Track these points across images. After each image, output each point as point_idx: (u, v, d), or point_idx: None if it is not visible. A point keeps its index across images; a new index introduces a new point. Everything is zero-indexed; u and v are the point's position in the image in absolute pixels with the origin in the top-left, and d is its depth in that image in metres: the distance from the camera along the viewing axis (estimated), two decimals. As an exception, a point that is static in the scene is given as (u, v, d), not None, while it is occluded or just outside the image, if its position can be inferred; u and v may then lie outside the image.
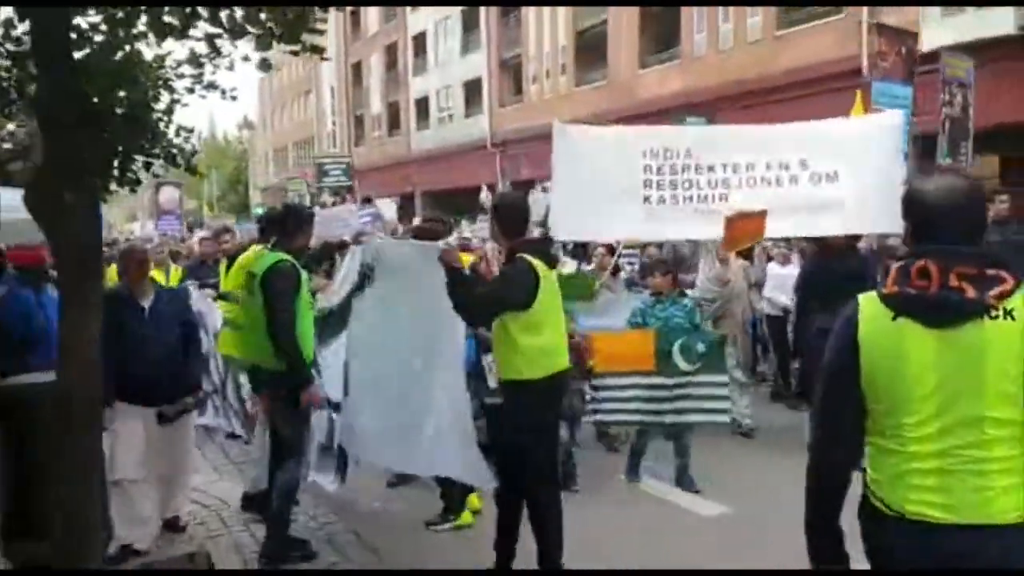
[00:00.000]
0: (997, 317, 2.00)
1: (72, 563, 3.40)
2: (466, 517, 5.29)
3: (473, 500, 5.34)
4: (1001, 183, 15.39)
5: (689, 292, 6.92)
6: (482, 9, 31.26)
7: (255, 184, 61.78)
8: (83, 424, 3.45)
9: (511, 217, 4.33)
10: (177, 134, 4.60)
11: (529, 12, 28.66)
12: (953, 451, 2.04)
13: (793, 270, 8.17)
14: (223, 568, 4.67)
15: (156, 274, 11.73)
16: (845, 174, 5.82)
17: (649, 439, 6.20)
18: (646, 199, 6.08)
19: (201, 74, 4.70)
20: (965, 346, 2.02)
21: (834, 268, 6.04)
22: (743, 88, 19.36)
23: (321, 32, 4.21)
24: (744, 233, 6.04)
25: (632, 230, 6.46)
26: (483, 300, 4.16)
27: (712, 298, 7.15)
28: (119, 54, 3.86)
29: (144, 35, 3.89)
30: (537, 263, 4.06)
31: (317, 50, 4.06)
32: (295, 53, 3.95)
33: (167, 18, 3.94)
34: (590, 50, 26.20)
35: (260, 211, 46.71)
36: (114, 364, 4.25)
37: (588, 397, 6.27)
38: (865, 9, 16.76)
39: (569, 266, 8.10)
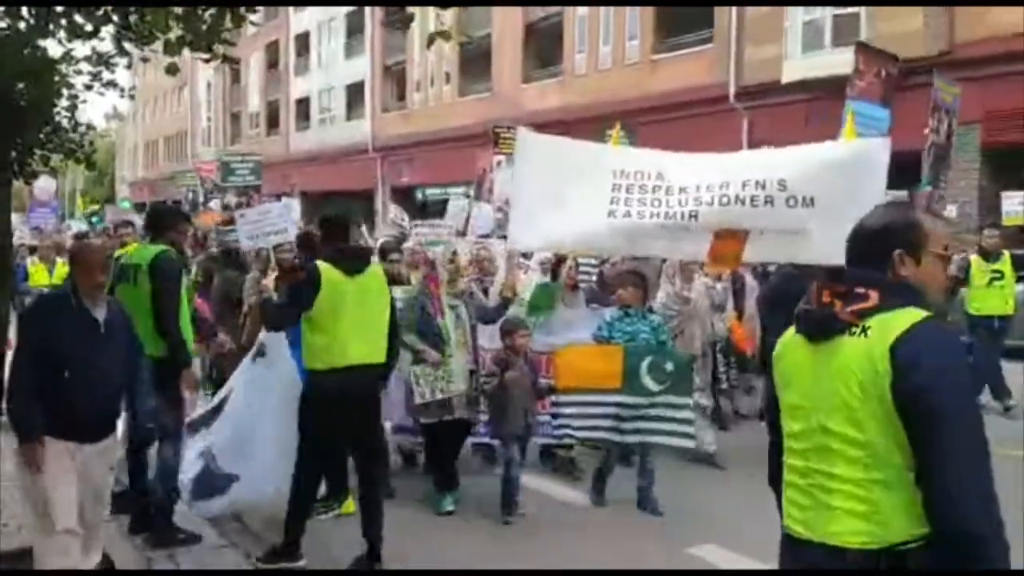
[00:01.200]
0: (855, 334, 2.05)
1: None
2: (349, 506, 5.50)
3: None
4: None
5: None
6: (367, 12, 31.25)
7: (122, 177, 59.44)
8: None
9: (331, 232, 4.89)
10: (75, 130, 4.69)
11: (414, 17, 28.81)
12: (811, 465, 2.11)
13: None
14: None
15: (39, 270, 11.39)
16: (821, 202, 5.47)
17: (612, 461, 6.00)
18: (611, 213, 5.73)
19: (100, 72, 4.84)
20: (826, 361, 2.09)
21: (803, 285, 5.86)
22: (620, 108, 20.15)
23: (232, 43, 4.40)
24: (727, 251, 5.75)
25: (594, 244, 6.16)
26: (274, 310, 4.89)
27: (670, 315, 6.92)
28: (25, 50, 3.96)
29: (53, 33, 4.02)
30: (327, 268, 4.60)
31: (229, 60, 4.26)
32: (206, 60, 4.14)
33: (79, 18, 4.08)
34: (474, 61, 26.65)
35: (126, 204, 44.99)
36: (51, 388, 3.71)
37: (549, 416, 6.10)
38: (733, 40, 17.79)
39: (536, 276, 7.71)
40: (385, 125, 30.80)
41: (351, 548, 4.69)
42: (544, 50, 24.25)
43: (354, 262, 4.74)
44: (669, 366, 5.68)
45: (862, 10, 15.51)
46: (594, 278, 7.96)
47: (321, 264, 4.62)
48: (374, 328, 4.75)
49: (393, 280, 5.86)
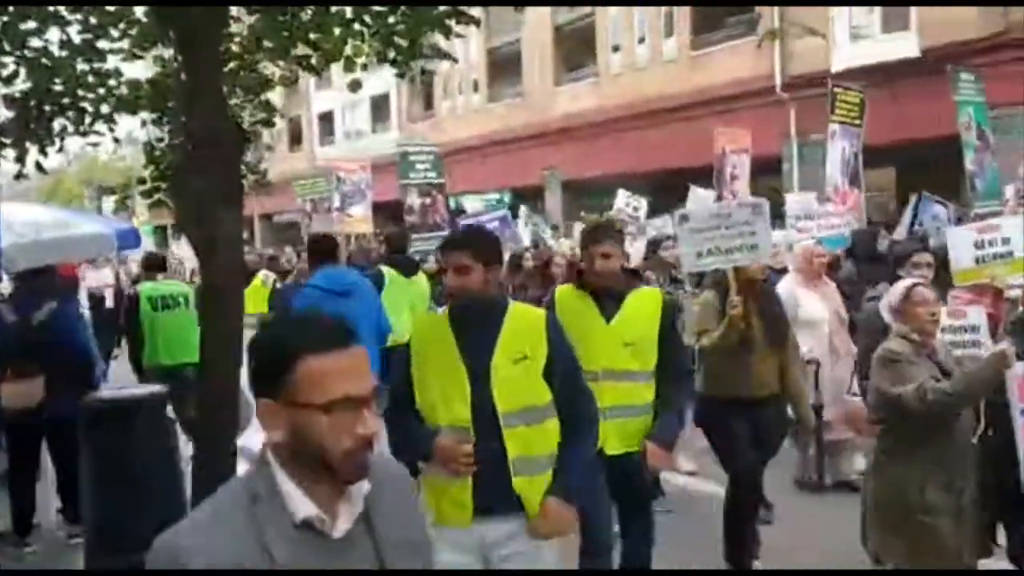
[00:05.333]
0: None
1: None
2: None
3: None
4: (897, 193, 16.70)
5: None
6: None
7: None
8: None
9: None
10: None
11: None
12: None
13: None
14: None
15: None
16: None
17: None
18: None
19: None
20: None
21: None
22: (660, 105, 20.17)
23: (431, 56, 4.48)
24: None
25: None
26: None
27: None
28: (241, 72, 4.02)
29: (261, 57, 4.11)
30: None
31: (426, 72, 4.32)
32: (400, 76, 4.21)
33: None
34: (503, 67, 26.70)
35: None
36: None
37: None
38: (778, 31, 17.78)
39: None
40: (413, 135, 30.86)
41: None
42: (575, 52, 24.27)
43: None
44: None
45: (912, -6, 15.49)
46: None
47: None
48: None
49: None
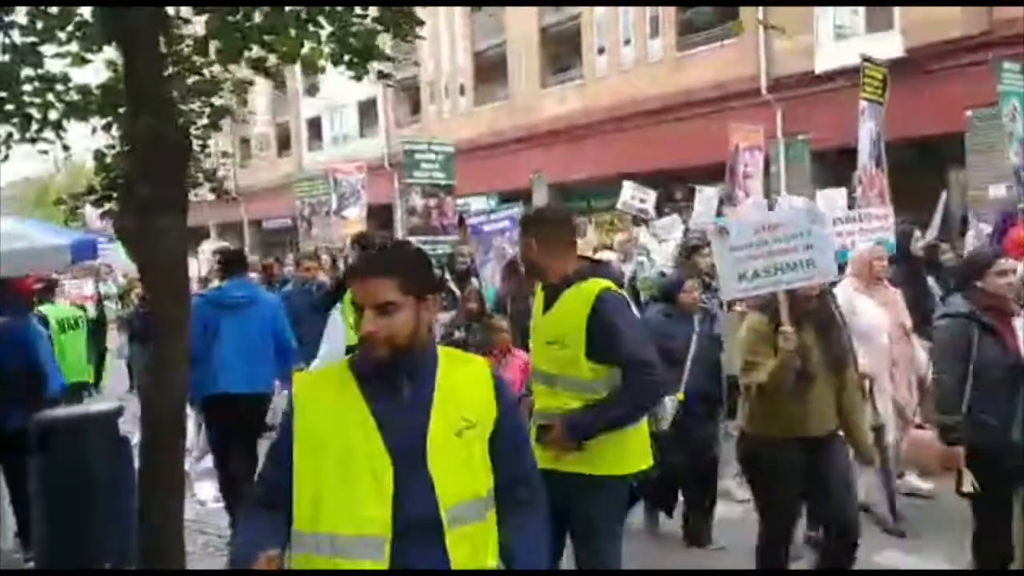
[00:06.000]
0: None
1: None
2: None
3: None
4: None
5: None
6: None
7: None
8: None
9: None
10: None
11: (423, 33, 28.76)
12: None
13: None
14: None
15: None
16: None
17: None
18: None
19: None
20: None
21: None
22: (645, 107, 20.03)
23: (391, 59, 4.34)
24: None
25: None
26: None
27: None
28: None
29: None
30: None
31: (385, 76, 4.18)
32: (356, 79, 4.07)
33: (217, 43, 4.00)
34: (489, 70, 26.55)
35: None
36: None
37: None
38: (761, 32, 17.68)
39: None
40: (400, 139, 30.72)
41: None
42: (561, 54, 24.13)
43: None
44: None
45: (895, -7, 15.38)
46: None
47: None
48: None
49: None
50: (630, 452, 3.70)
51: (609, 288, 3.65)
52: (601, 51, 22.11)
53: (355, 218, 16.34)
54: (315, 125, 36.46)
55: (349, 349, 6.67)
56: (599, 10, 21.73)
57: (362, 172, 17.39)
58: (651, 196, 13.62)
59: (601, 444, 3.58)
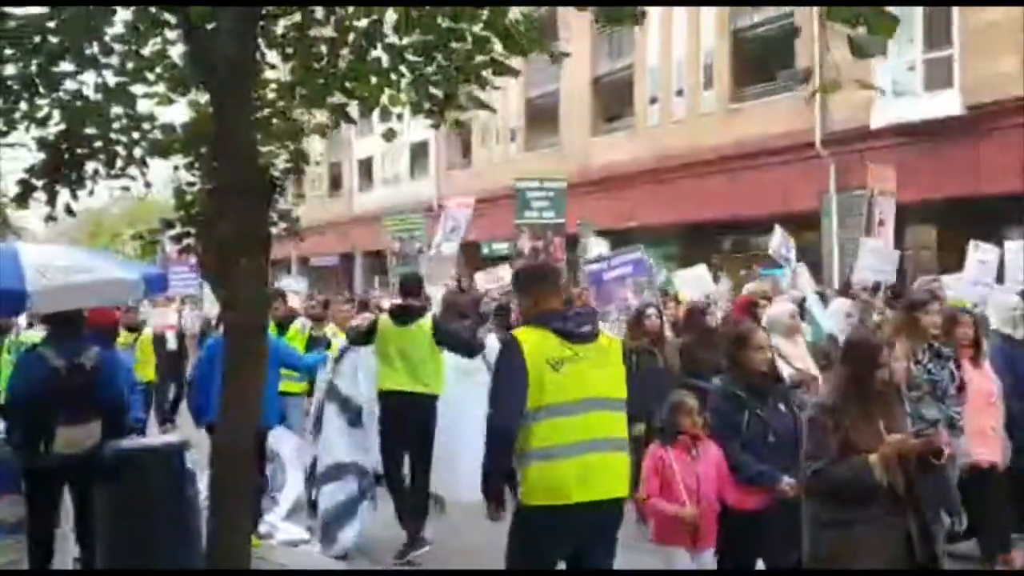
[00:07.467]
0: None
1: None
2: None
3: None
4: (938, 252, 16.40)
5: None
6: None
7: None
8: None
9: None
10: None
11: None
12: None
13: None
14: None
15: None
16: None
17: None
18: None
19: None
20: None
21: None
22: (696, 158, 20.02)
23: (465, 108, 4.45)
24: None
25: None
26: None
27: None
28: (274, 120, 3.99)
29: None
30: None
31: (459, 125, 4.28)
32: (435, 126, 4.17)
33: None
34: (541, 117, 26.82)
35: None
36: None
37: None
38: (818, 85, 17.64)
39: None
40: (450, 182, 31.04)
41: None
42: (613, 103, 24.31)
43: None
44: None
45: (955, 51, 15.31)
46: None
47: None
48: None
49: None
50: None
51: None
52: (653, 101, 22.23)
53: (448, 254, 16.24)
54: (366, 166, 37.04)
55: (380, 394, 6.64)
56: (652, 59, 21.90)
57: (470, 208, 16.92)
58: (792, 244, 13.11)
59: None
